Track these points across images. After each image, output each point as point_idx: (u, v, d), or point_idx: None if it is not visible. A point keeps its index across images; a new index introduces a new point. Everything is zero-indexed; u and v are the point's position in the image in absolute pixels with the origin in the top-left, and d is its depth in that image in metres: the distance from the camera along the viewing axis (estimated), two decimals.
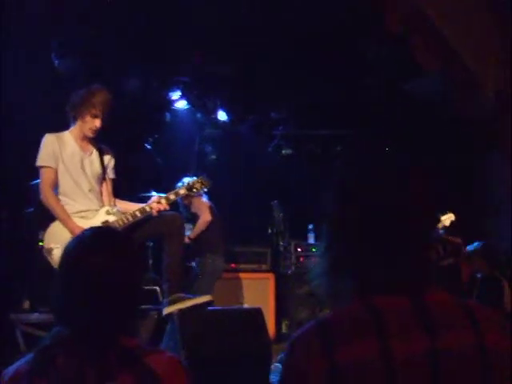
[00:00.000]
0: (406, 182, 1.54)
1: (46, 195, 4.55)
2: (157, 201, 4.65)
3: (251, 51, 7.60)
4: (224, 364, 3.94)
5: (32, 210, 6.16)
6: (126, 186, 5.95)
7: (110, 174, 4.87)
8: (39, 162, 4.58)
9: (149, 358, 1.77)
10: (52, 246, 4.48)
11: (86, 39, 7.10)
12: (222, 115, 8.70)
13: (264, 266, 7.50)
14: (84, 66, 7.21)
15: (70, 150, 4.61)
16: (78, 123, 4.65)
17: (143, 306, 5.72)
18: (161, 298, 6.71)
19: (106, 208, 4.66)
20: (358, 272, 1.53)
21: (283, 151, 9.03)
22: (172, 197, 4.75)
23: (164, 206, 4.62)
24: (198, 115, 8.76)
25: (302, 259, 7.75)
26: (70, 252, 1.89)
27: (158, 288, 6.83)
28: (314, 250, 7.81)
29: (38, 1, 6.33)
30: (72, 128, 4.69)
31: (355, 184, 1.56)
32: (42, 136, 4.77)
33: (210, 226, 6.60)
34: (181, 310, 4.19)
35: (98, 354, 1.76)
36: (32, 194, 6.43)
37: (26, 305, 6.17)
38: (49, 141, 4.59)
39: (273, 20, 7.08)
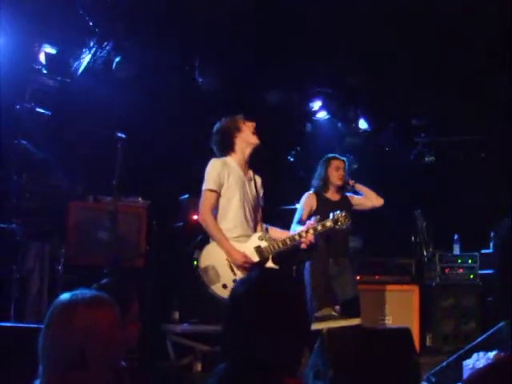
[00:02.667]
0: None
1: (206, 217, 4.77)
2: (306, 230, 4.79)
3: (390, 59, 7.53)
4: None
5: (181, 224, 6.44)
6: (269, 199, 6.09)
7: (261, 202, 5.14)
8: (205, 186, 4.83)
9: None
10: (208, 264, 4.68)
11: (226, 56, 7.33)
12: (362, 124, 8.69)
13: (408, 278, 7.37)
14: (225, 82, 7.45)
15: (236, 175, 4.88)
16: (238, 144, 4.94)
17: None
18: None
19: (259, 234, 4.86)
20: None
21: (426, 158, 8.85)
22: (319, 228, 4.85)
23: (311, 237, 4.77)
24: (339, 125, 8.79)
25: (446, 271, 7.55)
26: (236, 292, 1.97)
27: None
28: (459, 261, 7.59)
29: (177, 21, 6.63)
30: (232, 154, 4.95)
31: None
32: (188, 151, 5.09)
33: None
34: (329, 328, 4.23)
35: None
36: (181, 209, 6.72)
37: (176, 315, 6.45)
38: (216, 165, 4.85)
39: (409, 27, 6.98)
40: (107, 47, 6.72)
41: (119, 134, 5.30)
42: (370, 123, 8.67)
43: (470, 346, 4.70)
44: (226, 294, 4.40)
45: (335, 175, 6.18)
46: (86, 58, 6.73)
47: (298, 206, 7.16)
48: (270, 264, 4.75)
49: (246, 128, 4.95)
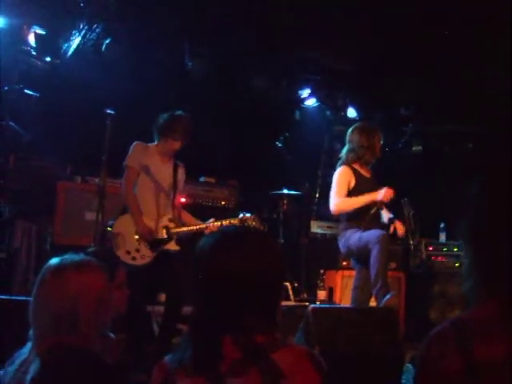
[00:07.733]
0: None
1: (126, 192, 5.20)
2: (212, 222, 5.26)
3: (380, 48, 7.54)
4: (355, 362, 3.98)
5: None
6: (257, 185, 6.09)
7: (181, 187, 5.50)
8: (126, 162, 5.26)
9: (277, 353, 1.75)
10: (119, 231, 5.14)
11: (216, 41, 7.32)
12: (351, 112, 8.71)
13: (394, 265, 7.41)
14: (215, 67, 7.45)
15: (152, 160, 5.27)
16: (161, 142, 5.30)
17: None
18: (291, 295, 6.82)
19: (170, 216, 5.29)
20: (502, 278, 1.52)
21: (413, 148, 8.89)
22: (225, 223, 5.29)
23: (215, 228, 5.11)
24: (327, 112, 8.80)
25: (432, 258, 7.61)
26: (205, 250, 1.88)
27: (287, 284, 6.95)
28: (445, 249, 7.65)
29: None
30: (156, 143, 5.37)
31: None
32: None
33: None
34: (314, 308, 4.26)
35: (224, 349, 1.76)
36: None
37: (162, 297, 6.44)
38: (137, 147, 5.29)
39: (399, 16, 6.98)
40: (97, 29, 6.71)
41: (108, 111, 5.35)
42: (359, 112, 8.69)
43: None
44: (128, 260, 5.04)
45: (379, 148, 5.90)
46: (76, 40, 6.72)
47: (285, 191, 7.24)
48: (172, 244, 5.22)
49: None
